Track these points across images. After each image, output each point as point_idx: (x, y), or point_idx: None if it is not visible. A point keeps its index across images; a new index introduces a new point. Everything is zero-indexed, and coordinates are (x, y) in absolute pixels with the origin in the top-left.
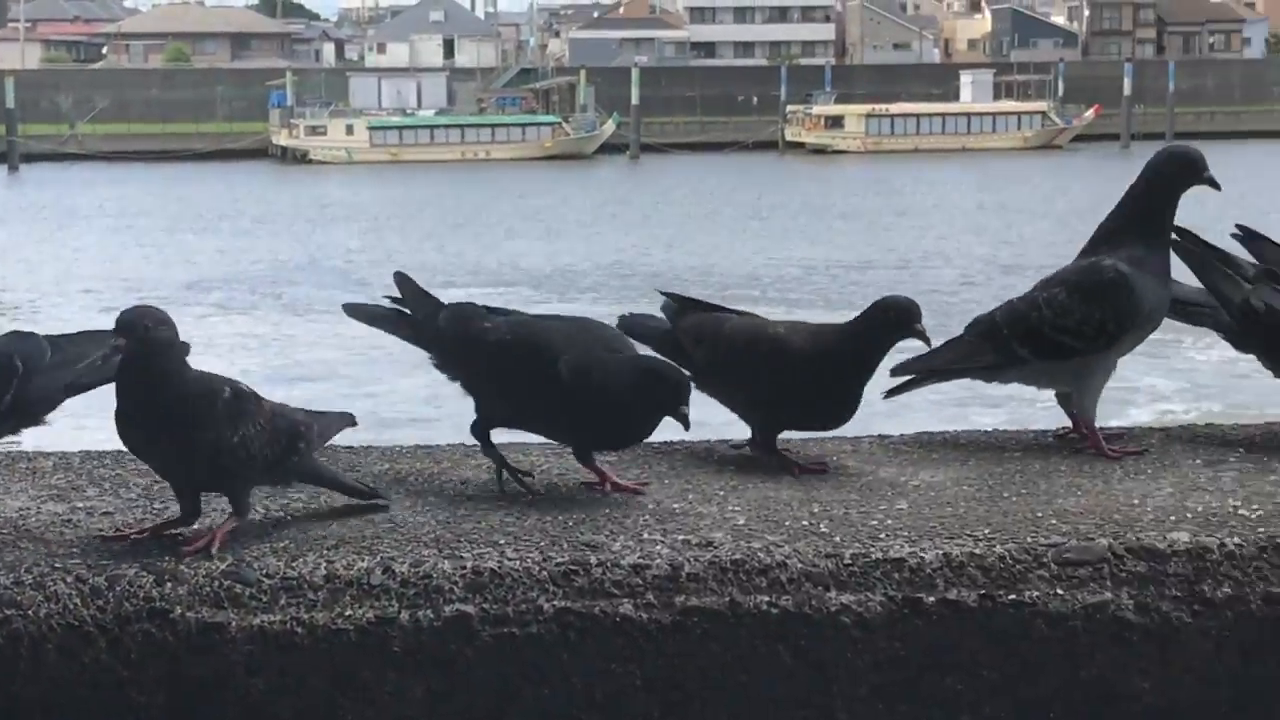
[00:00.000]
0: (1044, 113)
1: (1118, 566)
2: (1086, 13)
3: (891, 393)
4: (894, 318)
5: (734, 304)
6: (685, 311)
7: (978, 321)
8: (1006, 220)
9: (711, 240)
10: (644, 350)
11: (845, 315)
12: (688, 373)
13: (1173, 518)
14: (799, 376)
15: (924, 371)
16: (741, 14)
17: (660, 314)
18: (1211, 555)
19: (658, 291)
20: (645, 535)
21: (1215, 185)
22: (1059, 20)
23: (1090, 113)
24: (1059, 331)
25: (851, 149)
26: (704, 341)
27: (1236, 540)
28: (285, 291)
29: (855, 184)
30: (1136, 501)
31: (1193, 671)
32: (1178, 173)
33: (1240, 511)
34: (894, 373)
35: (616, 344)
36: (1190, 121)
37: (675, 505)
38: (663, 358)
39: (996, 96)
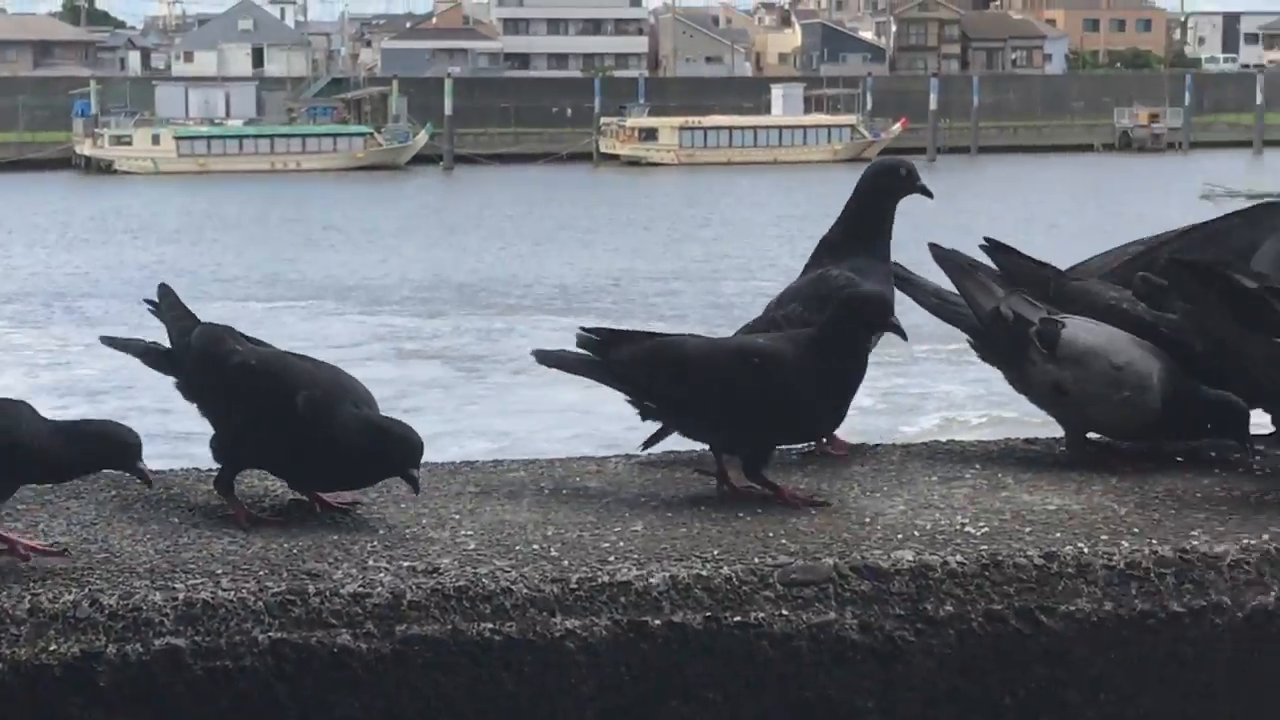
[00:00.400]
0: (853, 126)
1: (842, 586)
2: (894, 28)
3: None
4: (868, 314)
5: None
6: (615, 343)
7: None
8: (811, 231)
9: (523, 251)
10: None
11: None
12: (651, 405)
13: (900, 536)
14: (798, 388)
15: None
16: (555, 26)
17: (578, 348)
18: (934, 574)
19: (580, 329)
20: (370, 562)
21: (928, 193)
22: (867, 36)
23: (898, 126)
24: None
25: (666, 161)
26: (665, 368)
27: (959, 558)
28: (81, 305)
29: (668, 196)
30: (868, 520)
31: (915, 690)
32: (889, 184)
33: (967, 529)
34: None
35: (362, 399)
36: (994, 135)
37: (407, 530)
38: (398, 419)
39: (807, 110)
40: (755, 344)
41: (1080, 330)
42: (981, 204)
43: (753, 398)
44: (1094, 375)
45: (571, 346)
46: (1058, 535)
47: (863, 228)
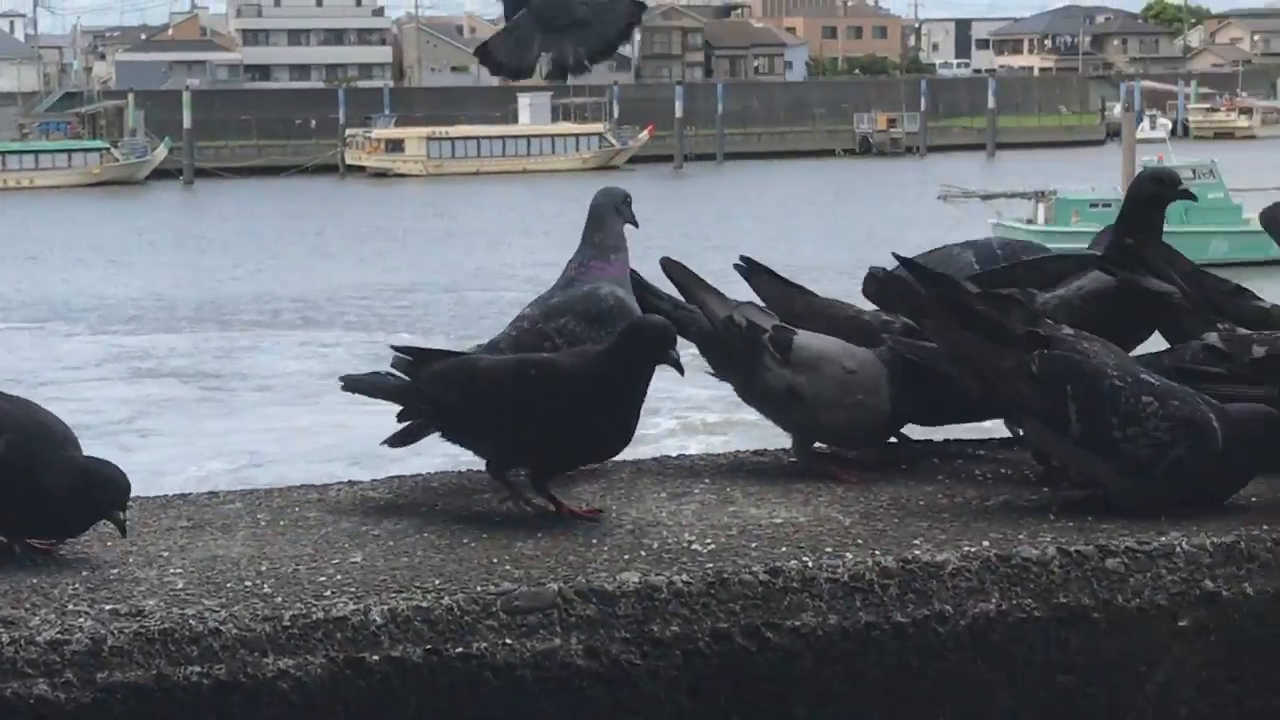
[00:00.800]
0: (601, 134)
1: (567, 611)
2: (639, 37)
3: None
4: (649, 341)
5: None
6: (426, 362)
7: (490, 349)
8: (559, 241)
9: (265, 266)
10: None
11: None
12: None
13: (626, 556)
14: (575, 404)
15: None
16: (296, 36)
17: (393, 371)
18: (660, 594)
19: (391, 348)
20: (70, 606)
21: (634, 223)
22: None
23: (645, 134)
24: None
25: (413, 172)
26: (456, 384)
27: (686, 578)
28: None
29: (415, 207)
30: (595, 541)
31: (641, 714)
32: (607, 203)
33: (694, 547)
34: None
35: (65, 439)
36: (739, 142)
37: (112, 570)
38: (103, 459)
39: (555, 119)
40: (535, 358)
41: (812, 337)
42: (729, 209)
43: (531, 413)
44: (827, 379)
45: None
46: (783, 550)
47: (602, 243)
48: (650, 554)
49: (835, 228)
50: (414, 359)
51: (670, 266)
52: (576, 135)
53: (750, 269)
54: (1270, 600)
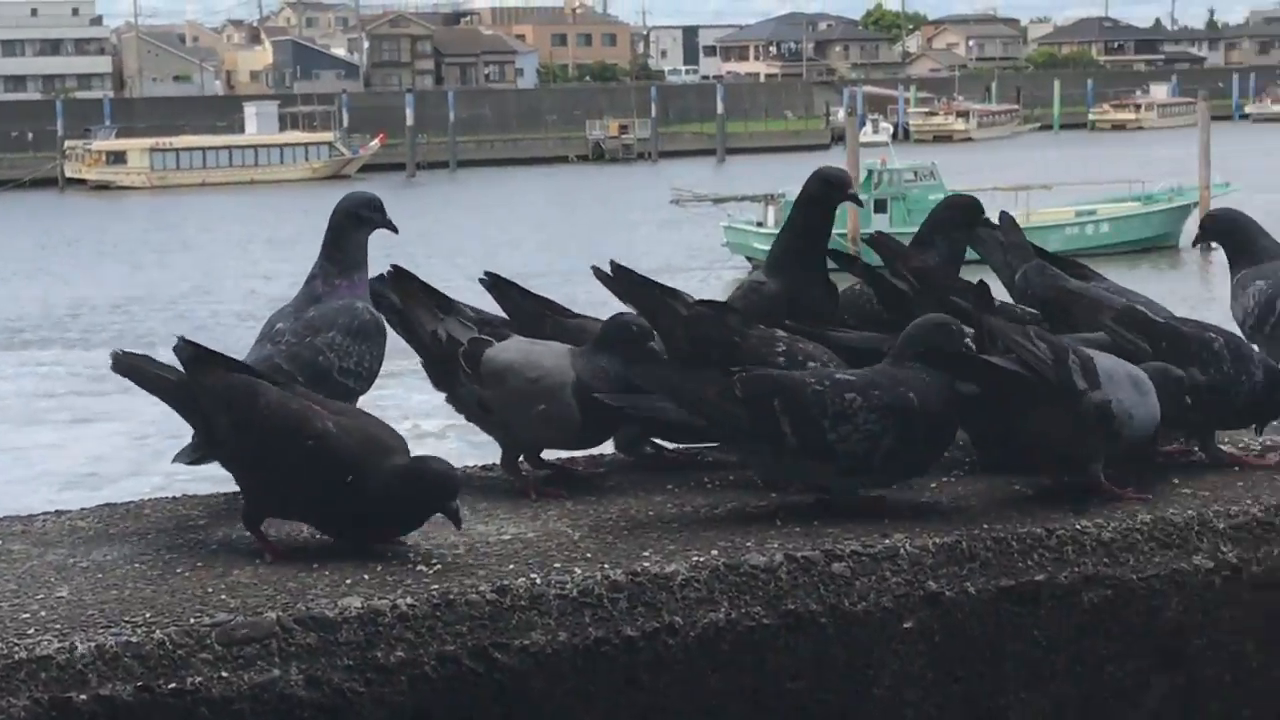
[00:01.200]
0: (331, 143)
1: (287, 640)
2: (366, 45)
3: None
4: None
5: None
6: (207, 365)
7: (258, 364)
8: (285, 253)
9: None
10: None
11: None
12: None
13: (348, 581)
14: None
15: None
16: (10, 47)
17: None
18: (384, 619)
19: (177, 336)
20: None
21: (394, 229)
22: (340, 52)
23: (376, 142)
24: (345, 375)
25: (136, 184)
26: (232, 407)
27: (410, 600)
28: None
29: (138, 220)
30: (315, 566)
31: None
32: (348, 214)
33: (419, 568)
34: None
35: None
36: (473, 149)
37: None
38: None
39: (283, 128)
40: (317, 427)
41: (502, 349)
42: (464, 217)
43: (306, 476)
44: (511, 391)
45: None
46: (511, 567)
47: (342, 257)
48: (374, 577)
49: (570, 234)
50: (194, 354)
51: (396, 277)
52: (305, 145)
53: (495, 285)
54: (991, 599)
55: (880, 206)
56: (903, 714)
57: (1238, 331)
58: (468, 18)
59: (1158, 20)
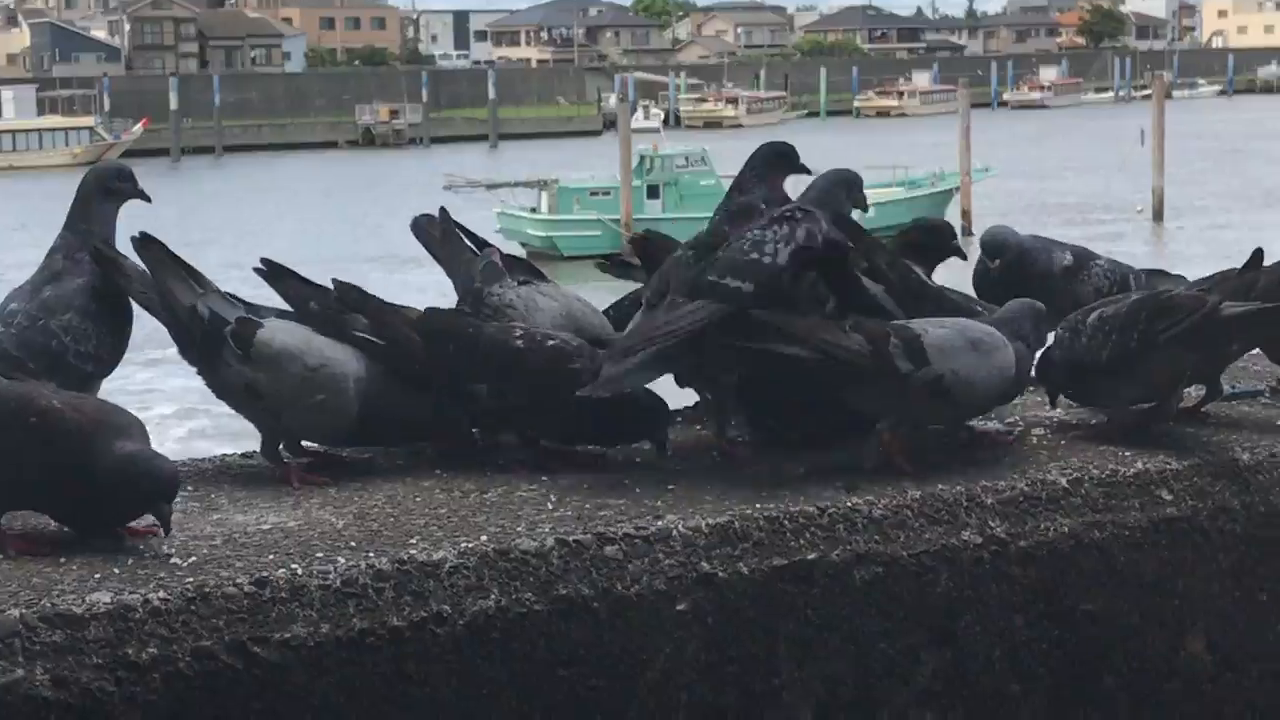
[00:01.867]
0: (92, 128)
1: (31, 639)
2: (128, 28)
3: None
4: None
5: None
6: None
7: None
8: (40, 238)
9: None
10: None
11: None
12: None
13: (98, 576)
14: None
15: None
16: None
17: None
18: (135, 614)
19: None
20: None
21: (146, 198)
22: (100, 35)
23: (139, 127)
24: (82, 359)
25: None
26: None
27: (163, 595)
28: None
29: None
30: (64, 561)
31: None
32: (94, 185)
33: (173, 560)
34: None
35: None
36: (239, 134)
37: None
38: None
39: (41, 112)
40: (41, 404)
41: (279, 331)
42: (230, 203)
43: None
44: (288, 378)
45: None
46: (271, 558)
47: (91, 230)
48: (124, 571)
49: (340, 220)
50: None
51: (145, 246)
52: (65, 129)
53: (272, 272)
54: (764, 579)
55: (652, 192)
56: (677, 697)
57: None
58: (233, 0)
59: (919, 9)
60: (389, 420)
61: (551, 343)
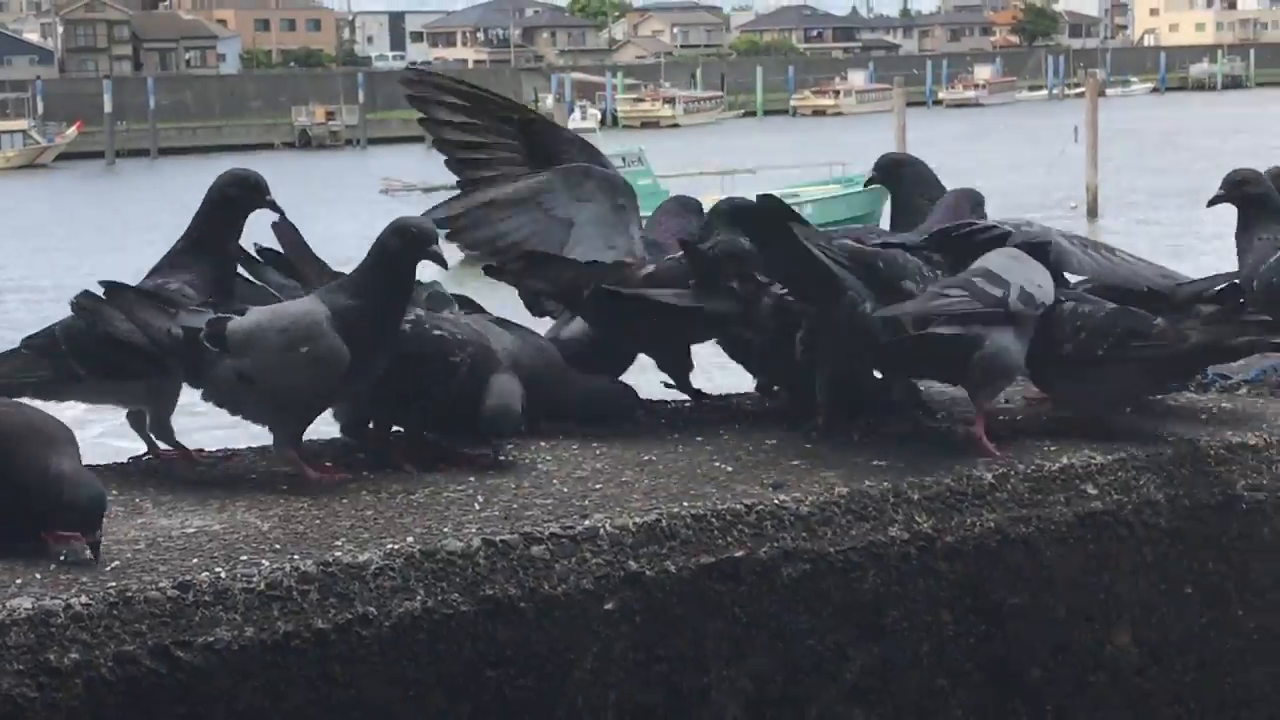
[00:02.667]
0: (25, 131)
1: None
2: (61, 30)
3: None
4: None
5: None
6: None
7: (35, 335)
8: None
9: None
10: None
11: None
12: None
13: (19, 581)
14: None
15: None
16: None
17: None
18: (57, 619)
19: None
20: None
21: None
22: (32, 38)
23: (73, 130)
24: (116, 348)
25: None
26: None
27: (85, 599)
28: None
29: None
30: None
31: None
32: (238, 195)
33: (96, 565)
34: None
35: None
36: (175, 136)
37: None
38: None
39: None
40: None
41: (248, 315)
42: (166, 206)
43: None
44: (267, 348)
45: None
46: (195, 561)
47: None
48: (46, 576)
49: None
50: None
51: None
52: None
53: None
54: (692, 577)
55: None
56: (605, 696)
57: None
58: (167, 2)
59: (854, 9)
60: (384, 356)
61: (438, 332)
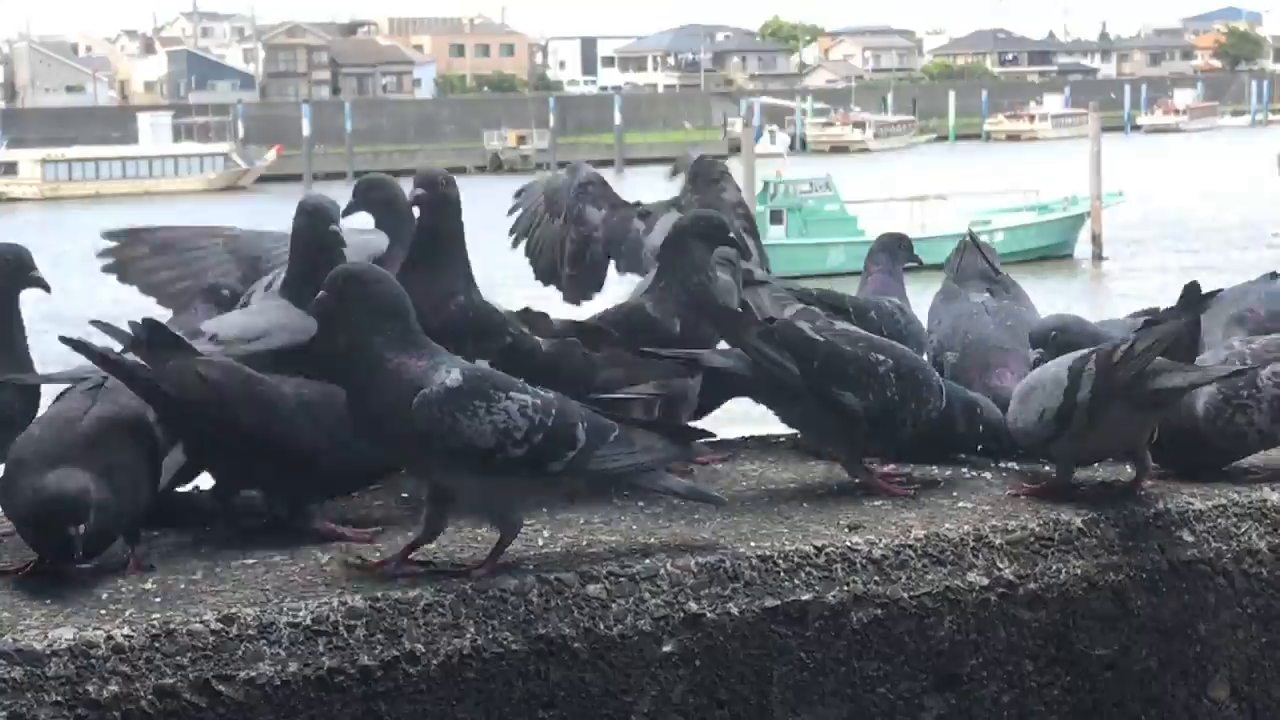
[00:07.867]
0: (226, 154)
1: None
2: (262, 55)
3: None
4: None
5: None
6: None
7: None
8: None
9: None
10: None
11: None
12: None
13: (66, 610)
14: None
15: None
16: None
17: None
18: (98, 651)
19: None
20: None
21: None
22: (235, 63)
23: (272, 153)
24: None
25: (28, 195)
26: None
27: (128, 631)
28: None
29: (29, 231)
30: (31, 594)
31: None
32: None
33: (145, 595)
34: None
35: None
36: (370, 160)
37: None
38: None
39: (177, 138)
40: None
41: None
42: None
43: None
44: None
45: None
46: (244, 594)
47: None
48: (94, 605)
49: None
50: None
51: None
52: (201, 156)
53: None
54: (754, 620)
55: (776, 218)
56: None
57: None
58: (365, 28)
59: (1051, 32)
60: None
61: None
